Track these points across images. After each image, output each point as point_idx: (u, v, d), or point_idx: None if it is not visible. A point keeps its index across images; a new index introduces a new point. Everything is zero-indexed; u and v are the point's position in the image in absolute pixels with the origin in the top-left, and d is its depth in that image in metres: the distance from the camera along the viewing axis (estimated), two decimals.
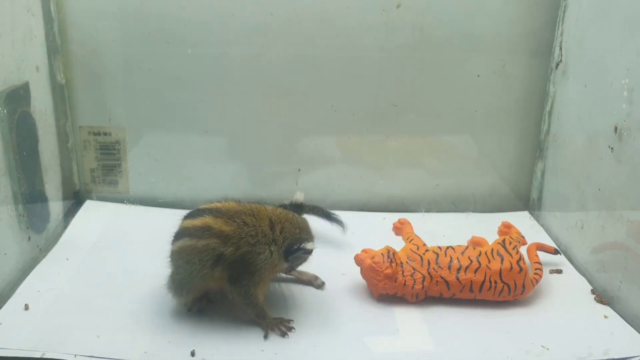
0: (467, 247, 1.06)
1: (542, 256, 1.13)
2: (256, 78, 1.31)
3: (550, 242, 1.23)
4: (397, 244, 1.10)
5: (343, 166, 1.39)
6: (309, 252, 0.95)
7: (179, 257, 0.93)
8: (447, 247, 1.05)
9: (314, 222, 1.29)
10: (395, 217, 1.25)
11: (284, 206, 1.04)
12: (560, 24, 1.26)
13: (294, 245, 0.93)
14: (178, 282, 0.94)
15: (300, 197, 1.08)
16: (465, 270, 1.01)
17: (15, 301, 0.98)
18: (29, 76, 1.13)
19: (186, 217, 0.96)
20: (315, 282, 1.06)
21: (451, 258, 1.02)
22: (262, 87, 1.31)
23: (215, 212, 0.93)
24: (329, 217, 1.21)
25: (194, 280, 0.91)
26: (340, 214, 1.36)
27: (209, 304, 0.98)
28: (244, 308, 0.94)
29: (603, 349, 0.91)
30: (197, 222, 0.92)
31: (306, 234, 0.97)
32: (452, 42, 1.29)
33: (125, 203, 1.37)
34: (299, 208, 1.03)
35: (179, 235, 0.94)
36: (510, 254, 1.03)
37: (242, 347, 0.90)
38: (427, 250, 1.05)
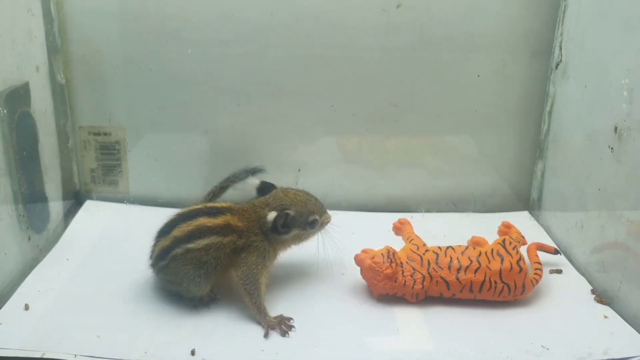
0: (467, 247, 1.06)
1: (542, 256, 1.13)
2: (256, 78, 1.31)
3: (550, 242, 1.23)
4: (397, 244, 1.10)
5: (343, 166, 1.39)
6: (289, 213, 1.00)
7: (206, 253, 0.96)
8: (447, 247, 1.05)
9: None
10: (395, 217, 1.25)
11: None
12: (560, 24, 1.26)
13: (280, 219, 1.00)
14: (202, 276, 0.96)
15: (255, 182, 1.09)
16: (465, 271, 1.01)
17: (15, 301, 0.99)
18: (29, 76, 1.13)
19: (201, 215, 0.99)
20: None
21: (451, 258, 1.02)
22: (262, 87, 1.31)
23: (231, 211, 1.00)
24: (247, 173, 1.19)
25: (217, 272, 0.97)
26: (340, 214, 1.37)
27: (213, 301, 1.01)
28: (246, 299, 0.96)
29: (603, 349, 0.91)
30: (219, 220, 0.98)
31: (286, 204, 1.02)
32: (452, 42, 1.29)
33: (126, 203, 1.37)
34: (262, 190, 1.07)
35: (201, 233, 0.97)
36: (510, 254, 1.03)
37: (242, 347, 0.90)
38: (427, 251, 1.05)
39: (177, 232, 0.97)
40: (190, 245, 0.96)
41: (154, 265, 1.01)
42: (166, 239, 0.98)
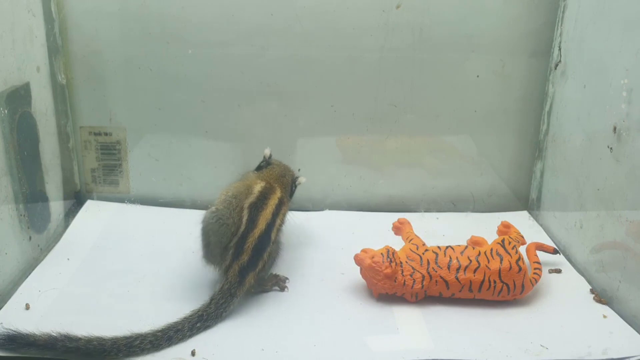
0: (466, 247, 1.06)
1: (542, 256, 1.13)
2: (256, 78, 1.31)
3: (549, 242, 1.24)
4: (397, 243, 1.10)
5: (343, 166, 1.40)
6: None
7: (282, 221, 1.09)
8: (447, 247, 1.06)
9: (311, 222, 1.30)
10: (395, 217, 1.26)
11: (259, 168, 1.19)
12: (560, 24, 1.26)
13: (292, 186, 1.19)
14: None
15: (267, 152, 1.20)
16: (465, 270, 1.01)
17: (16, 301, 0.99)
18: (29, 76, 1.13)
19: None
20: (281, 284, 1.06)
21: (450, 258, 1.03)
22: (262, 87, 1.32)
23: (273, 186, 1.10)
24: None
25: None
26: (340, 214, 1.37)
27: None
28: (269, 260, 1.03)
29: (602, 348, 0.91)
30: (275, 198, 1.06)
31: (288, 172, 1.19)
32: (452, 42, 1.30)
33: (126, 203, 1.38)
34: (268, 163, 1.19)
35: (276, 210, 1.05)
36: (509, 254, 1.04)
37: (242, 346, 0.90)
38: (426, 250, 1.06)
39: (262, 219, 1.00)
40: (278, 221, 1.05)
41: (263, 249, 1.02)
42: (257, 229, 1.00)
